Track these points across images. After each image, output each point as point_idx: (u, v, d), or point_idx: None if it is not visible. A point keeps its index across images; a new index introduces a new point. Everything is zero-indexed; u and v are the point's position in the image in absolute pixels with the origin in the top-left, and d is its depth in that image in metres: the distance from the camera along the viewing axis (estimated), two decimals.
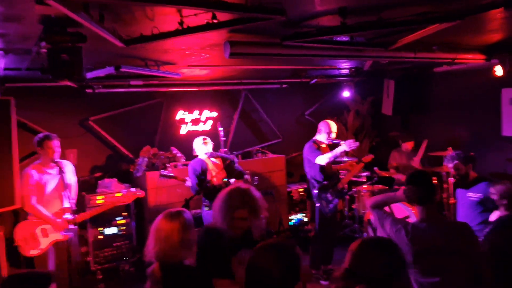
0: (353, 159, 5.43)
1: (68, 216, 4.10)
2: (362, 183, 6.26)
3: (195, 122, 6.33)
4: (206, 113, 6.39)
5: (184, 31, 2.73)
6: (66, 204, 4.14)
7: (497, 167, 5.71)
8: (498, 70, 5.03)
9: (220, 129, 5.92)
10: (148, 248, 2.45)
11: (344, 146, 4.62)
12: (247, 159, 6.34)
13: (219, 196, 2.81)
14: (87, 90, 5.28)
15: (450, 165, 4.04)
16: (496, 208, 3.33)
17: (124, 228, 5.24)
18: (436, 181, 5.32)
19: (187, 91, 6.18)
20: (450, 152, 4.56)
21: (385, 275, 1.80)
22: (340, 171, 5.41)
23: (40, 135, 4.33)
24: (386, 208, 2.89)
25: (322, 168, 4.86)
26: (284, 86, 6.87)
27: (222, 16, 2.60)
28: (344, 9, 2.71)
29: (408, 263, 2.19)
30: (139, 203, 5.31)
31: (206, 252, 2.63)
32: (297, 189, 6.63)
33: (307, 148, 4.97)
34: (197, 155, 4.92)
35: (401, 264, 1.88)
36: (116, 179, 5.40)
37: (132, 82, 5.20)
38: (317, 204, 4.87)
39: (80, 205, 4.73)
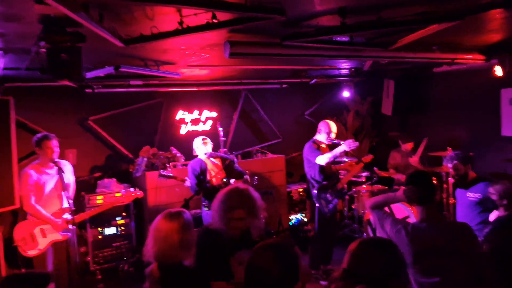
0: (353, 159, 5.44)
1: (67, 216, 4.10)
2: (362, 183, 6.27)
3: (195, 122, 6.33)
4: (206, 113, 6.40)
5: (184, 31, 2.73)
6: (65, 204, 4.14)
7: (497, 167, 5.71)
8: (498, 71, 5.02)
9: (220, 129, 5.92)
10: (147, 248, 2.44)
11: (343, 146, 4.61)
12: (246, 159, 6.34)
13: (217, 196, 2.80)
14: (87, 90, 5.28)
15: (450, 165, 4.05)
16: (495, 208, 3.33)
17: (124, 228, 5.24)
18: (436, 181, 5.32)
19: (187, 91, 6.17)
20: (449, 152, 4.57)
21: (384, 275, 1.80)
22: (340, 171, 5.40)
23: (39, 135, 4.31)
24: (386, 209, 2.89)
25: (321, 168, 4.86)
26: (284, 86, 6.87)
27: (222, 16, 2.60)
28: (343, 9, 2.70)
29: (407, 263, 2.19)
30: (139, 203, 5.31)
31: (205, 253, 2.63)
32: (296, 189, 6.63)
33: (307, 148, 4.96)
34: (197, 155, 4.91)
35: (400, 264, 1.88)
36: (115, 179, 5.40)
37: (132, 82, 5.20)
38: (317, 204, 4.86)
39: (79, 205, 4.73)
